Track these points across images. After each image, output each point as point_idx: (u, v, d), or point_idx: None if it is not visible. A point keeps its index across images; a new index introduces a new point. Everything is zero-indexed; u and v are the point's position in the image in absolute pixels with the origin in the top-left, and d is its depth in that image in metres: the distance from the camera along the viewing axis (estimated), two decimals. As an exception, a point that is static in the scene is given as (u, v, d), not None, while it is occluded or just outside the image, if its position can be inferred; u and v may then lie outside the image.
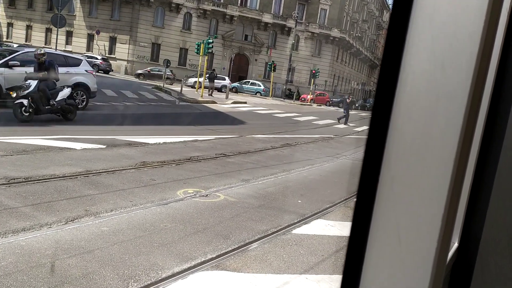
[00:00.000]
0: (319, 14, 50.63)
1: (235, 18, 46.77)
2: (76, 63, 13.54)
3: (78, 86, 13.33)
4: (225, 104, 24.31)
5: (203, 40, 25.88)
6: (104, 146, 8.60)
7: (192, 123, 14.93)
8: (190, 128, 13.39)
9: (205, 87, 30.29)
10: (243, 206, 5.96)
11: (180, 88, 26.81)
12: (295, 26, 45.58)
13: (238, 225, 5.18)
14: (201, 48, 25.74)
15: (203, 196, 6.19)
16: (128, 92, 23.52)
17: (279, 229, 5.22)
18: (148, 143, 9.59)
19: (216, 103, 23.71)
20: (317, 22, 50.30)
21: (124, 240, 4.27)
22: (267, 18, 47.73)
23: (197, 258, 4.10)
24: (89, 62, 38.83)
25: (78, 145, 8.29)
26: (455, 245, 1.25)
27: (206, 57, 25.26)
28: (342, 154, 11.99)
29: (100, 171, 6.71)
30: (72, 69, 13.21)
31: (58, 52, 15.19)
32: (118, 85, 27.08)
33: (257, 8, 47.92)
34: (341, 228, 5.62)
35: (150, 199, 5.68)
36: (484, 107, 1.15)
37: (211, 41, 24.99)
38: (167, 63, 29.15)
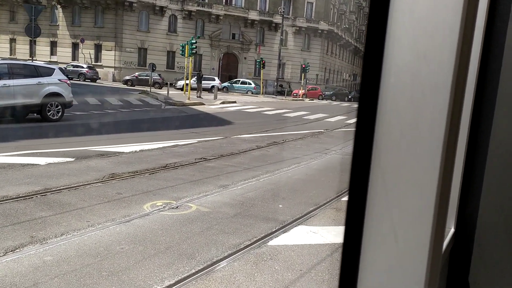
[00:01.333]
0: (305, 7, 50.05)
1: (221, 17, 46.14)
2: (48, 72, 12.90)
3: (51, 97, 12.74)
4: (213, 105, 23.72)
5: (187, 41, 25.26)
6: (73, 159, 8.01)
7: (175, 127, 14.34)
8: (172, 133, 12.80)
9: (193, 89, 29.75)
10: (217, 217, 5.39)
11: (166, 92, 26.19)
12: (282, 22, 44.95)
13: (207, 241, 4.60)
14: (186, 50, 25.12)
15: (172, 208, 5.61)
16: (113, 99, 22.94)
17: (253, 241, 4.65)
18: (123, 152, 9.01)
19: (204, 104, 23.14)
20: (304, 16, 49.73)
21: (68, 271, 3.69)
22: (253, 15, 47.14)
23: (151, 287, 3.52)
24: (75, 71, 38.56)
25: (43, 160, 7.70)
26: (451, 230, 1.26)
27: (191, 58, 24.64)
28: (332, 149, 11.43)
29: (61, 188, 6.12)
30: (44, 79, 12.58)
31: (27, 62, 14.57)
32: (103, 92, 26.52)
33: (243, 5, 47.30)
34: (324, 234, 5.05)
35: (111, 217, 5.10)
36: (470, 94, 1.17)
37: (194, 41, 24.34)
38: (153, 67, 28.53)
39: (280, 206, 6.07)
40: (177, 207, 5.65)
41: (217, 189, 6.65)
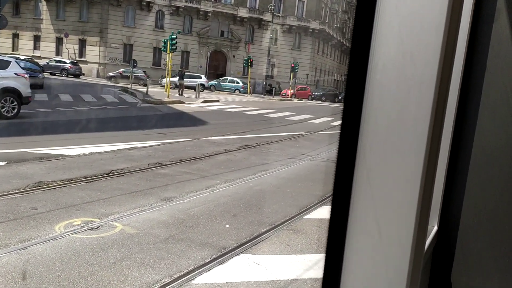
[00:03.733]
0: (296, 6, 49.06)
1: (210, 14, 45.02)
2: (3, 65, 11.82)
3: (6, 92, 11.66)
4: (194, 103, 22.69)
5: (169, 36, 24.22)
6: (3, 163, 6.98)
7: (143, 127, 13.30)
8: (136, 133, 11.77)
9: (176, 87, 28.76)
10: (142, 241, 4.40)
11: (146, 89, 25.12)
12: (272, 20, 43.98)
13: (115, 277, 3.62)
14: (167, 46, 24.06)
15: (91, 229, 4.62)
16: (88, 96, 21.84)
17: (175, 278, 3.68)
18: (67, 155, 7.99)
19: (183, 103, 22.08)
20: (295, 14, 48.77)
21: None
22: (242, 12, 46.07)
23: None
24: (58, 67, 37.30)
25: (-35, 164, 6.67)
26: (435, 229, 1.27)
27: (170, 54, 23.57)
28: (308, 154, 10.48)
29: (-35, 200, 5.11)
30: (-3, 73, 11.51)
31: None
32: (81, 89, 25.39)
33: (232, 2, 46.22)
34: (270, 266, 4.08)
35: (5, 242, 4.10)
36: (454, 95, 1.19)
37: (175, 36, 23.29)
38: (134, 63, 27.45)
39: (227, 226, 5.09)
40: (97, 228, 4.65)
41: (158, 203, 5.67)
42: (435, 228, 1.27)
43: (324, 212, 5.97)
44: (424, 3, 0.64)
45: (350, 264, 0.71)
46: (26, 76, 12.45)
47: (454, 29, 0.68)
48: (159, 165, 7.95)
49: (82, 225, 4.69)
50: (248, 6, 46.63)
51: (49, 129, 11.41)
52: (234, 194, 6.47)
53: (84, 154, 8.27)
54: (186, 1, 44.13)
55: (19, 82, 12.04)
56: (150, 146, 9.74)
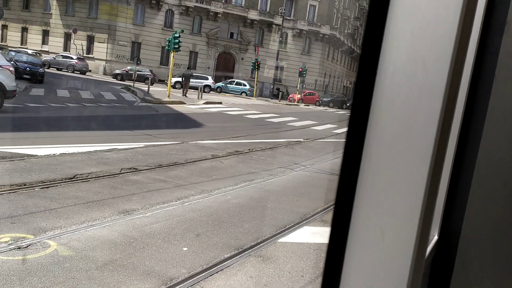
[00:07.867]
0: (307, 10, 48.32)
1: (220, 15, 44.47)
2: (-15, 57, 11.26)
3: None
4: (194, 104, 22.02)
5: (172, 35, 23.63)
6: (-44, 162, 6.33)
7: (131, 127, 12.62)
8: (121, 133, 11.09)
9: (182, 87, 28.20)
10: (74, 267, 3.68)
11: (147, 88, 24.54)
12: (282, 23, 43.25)
13: (18, 317, 2.90)
14: (171, 44, 23.47)
15: (19, 248, 3.91)
16: (87, 92, 21.31)
17: (93, 322, 2.95)
18: (34, 156, 7.32)
19: (184, 103, 21.43)
20: (306, 18, 48.01)
21: None
22: (253, 14, 45.42)
23: None
24: (64, 62, 36.94)
25: None
26: (435, 238, 1.26)
27: (173, 53, 22.95)
28: (302, 163, 9.70)
29: None
30: (-21, 64, 10.94)
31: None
32: (83, 85, 24.92)
33: (243, 4, 45.62)
34: (221, 308, 3.34)
35: None
36: (461, 103, 1.18)
37: (178, 35, 22.66)
38: (137, 61, 26.90)
39: (185, 249, 4.35)
40: (26, 247, 3.94)
41: (114, 217, 4.95)
42: (436, 237, 1.26)
43: (304, 234, 5.21)
44: (438, 11, 0.64)
45: (350, 268, 0.70)
46: (11, 69, 11.87)
47: (465, 39, 0.67)
48: (134, 170, 7.24)
49: (10, 242, 3.98)
50: (258, 8, 45.99)
51: (28, 125, 10.77)
52: (206, 208, 5.73)
53: (54, 154, 7.59)
54: (196, 1, 43.62)
55: (3, 75, 11.45)
56: (131, 148, 9.05)
